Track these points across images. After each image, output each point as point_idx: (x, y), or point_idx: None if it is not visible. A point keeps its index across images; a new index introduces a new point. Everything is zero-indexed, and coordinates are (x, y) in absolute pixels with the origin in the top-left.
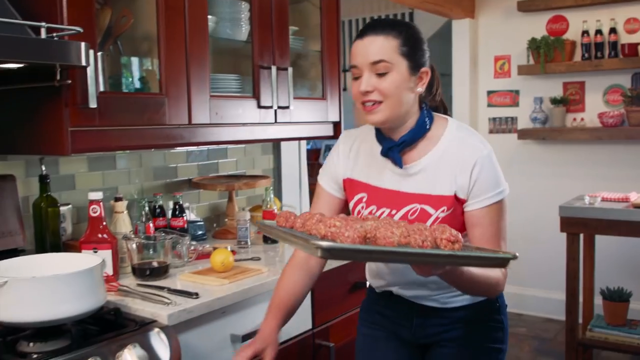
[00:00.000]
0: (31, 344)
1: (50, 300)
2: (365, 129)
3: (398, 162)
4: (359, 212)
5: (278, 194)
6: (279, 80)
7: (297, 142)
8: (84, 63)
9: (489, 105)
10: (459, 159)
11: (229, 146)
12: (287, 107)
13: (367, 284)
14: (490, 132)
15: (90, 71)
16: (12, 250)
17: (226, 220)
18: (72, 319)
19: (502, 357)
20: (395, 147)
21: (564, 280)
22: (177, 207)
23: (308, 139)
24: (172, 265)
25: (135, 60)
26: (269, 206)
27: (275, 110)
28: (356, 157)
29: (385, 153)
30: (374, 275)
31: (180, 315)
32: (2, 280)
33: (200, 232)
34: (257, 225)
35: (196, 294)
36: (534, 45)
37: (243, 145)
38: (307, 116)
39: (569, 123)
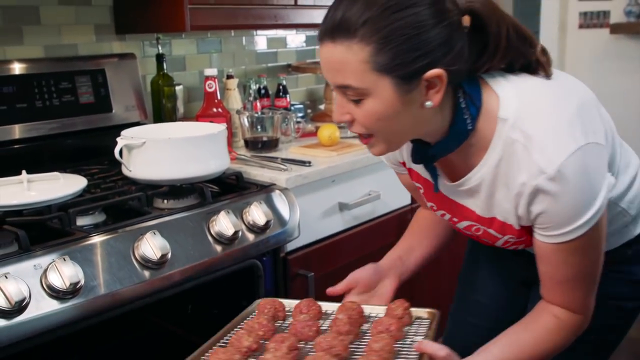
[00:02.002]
0: (165, 201)
1: (183, 160)
2: None
3: (434, 180)
4: (421, 195)
5: None
6: None
7: None
8: None
9: None
10: (512, 181)
11: None
12: None
13: None
14: (580, 27)
15: None
16: (134, 123)
17: (323, 104)
18: (201, 178)
19: (631, 319)
20: (428, 158)
21: None
22: (280, 88)
23: None
24: (280, 141)
25: None
26: None
27: None
28: (407, 145)
29: (416, 162)
30: None
31: (296, 179)
32: (141, 141)
33: (300, 115)
34: None
35: (309, 162)
36: None
37: None
38: None
39: None
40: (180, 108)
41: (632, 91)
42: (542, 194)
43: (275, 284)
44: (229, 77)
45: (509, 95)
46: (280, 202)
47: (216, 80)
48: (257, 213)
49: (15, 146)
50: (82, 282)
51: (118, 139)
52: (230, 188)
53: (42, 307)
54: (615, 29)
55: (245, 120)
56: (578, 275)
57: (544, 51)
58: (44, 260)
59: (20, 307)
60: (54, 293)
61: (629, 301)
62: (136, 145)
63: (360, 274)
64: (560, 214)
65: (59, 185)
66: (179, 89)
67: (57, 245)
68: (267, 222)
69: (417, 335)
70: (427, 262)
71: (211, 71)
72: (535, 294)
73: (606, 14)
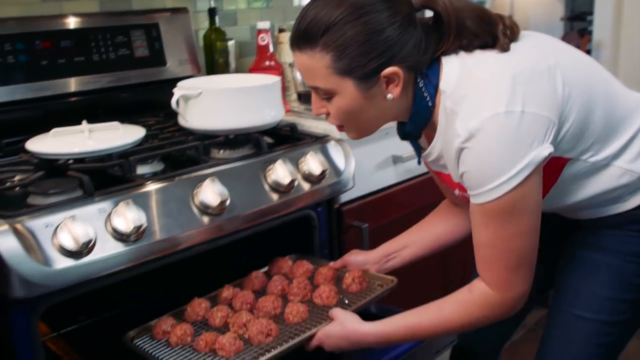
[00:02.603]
0: (221, 151)
1: (239, 110)
2: None
3: (417, 154)
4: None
5: None
6: None
7: None
8: None
9: None
10: (450, 147)
11: None
12: None
13: None
14: None
15: None
16: (188, 77)
17: None
18: (256, 129)
19: None
20: (406, 135)
21: None
22: None
23: None
24: None
25: None
26: None
27: None
28: None
29: (402, 138)
30: None
31: None
32: (197, 91)
33: None
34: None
35: None
36: None
37: None
38: None
39: None
40: (232, 63)
41: None
42: (462, 154)
43: (329, 235)
44: (281, 30)
45: (452, 70)
46: (336, 152)
47: (269, 33)
48: (312, 163)
49: (73, 99)
50: (145, 225)
51: (175, 90)
52: (284, 139)
53: (107, 249)
54: None
55: (298, 73)
56: (496, 244)
57: (505, 27)
58: (107, 205)
59: (86, 248)
60: (119, 236)
61: None
62: (193, 96)
63: (349, 259)
64: (476, 174)
65: (118, 134)
66: (230, 43)
67: (120, 191)
68: (323, 172)
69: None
70: (416, 260)
71: (264, 24)
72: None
73: None
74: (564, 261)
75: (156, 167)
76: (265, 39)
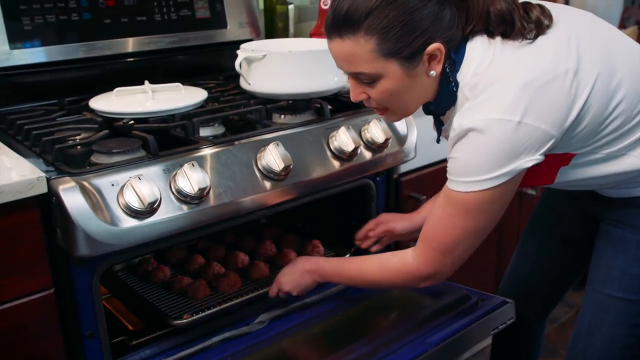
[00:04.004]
0: (283, 116)
1: (303, 74)
2: None
3: (438, 132)
4: None
5: None
6: None
7: None
8: None
9: None
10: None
11: None
12: None
13: None
14: None
15: None
16: (248, 40)
17: None
18: (320, 94)
19: None
20: (430, 113)
21: None
22: None
23: None
24: None
25: None
26: None
27: None
28: None
29: (433, 117)
30: None
31: None
32: (262, 54)
33: None
34: None
35: None
36: None
37: None
38: None
39: None
40: (291, 27)
41: None
42: (453, 143)
43: (387, 205)
44: None
45: (473, 58)
46: (399, 121)
47: None
48: (376, 130)
49: (134, 59)
50: (209, 188)
51: (238, 52)
52: (346, 106)
53: (171, 210)
54: None
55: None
56: (442, 226)
57: (534, 17)
58: (171, 165)
59: (151, 208)
60: (183, 197)
61: None
62: (256, 59)
63: (392, 225)
64: (457, 163)
65: (181, 96)
66: (290, 7)
67: (184, 152)
68: (386, 141)
69: None
70: None
71: None
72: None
73: None
74: (599, 238)
75: (218, 130)
76: (327, 3)
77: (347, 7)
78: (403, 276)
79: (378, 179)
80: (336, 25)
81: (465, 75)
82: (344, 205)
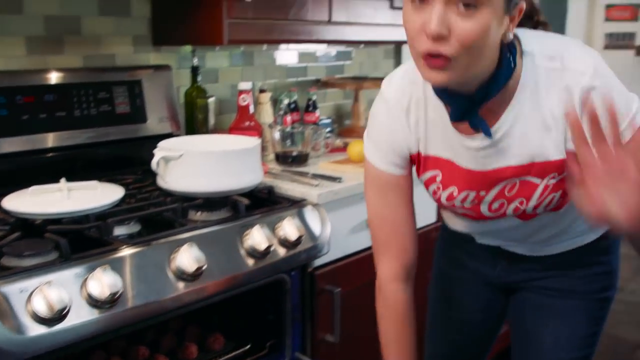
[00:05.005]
0: (199, 213)
1: (219, 173)
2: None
3: (485, 129)
4: (434, 192)
5: None
6: None
7: None
8: None
9: (607, 19)
10: (556, 102)
11: (354, 49)
12: None
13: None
14: (606, 47)
15: None
16: (167, 134)
17: (350, 120)
18: (236, 192)
19: (610, 305)
20: (473, 105)
21: None
22: (310, 103)
23: None
24: (309, 156)
25: None
26: None
27: None
28: (424, 125)
29: (458, 118)
30: (455, 224)
31: (327, 195)
32: (178, 154)
33: (327, 130)
34: None
35: (339, 178)
36: None
37: (367, 49)
38: None
39: None
40: (212, 119)
41: None
42: (593, 92)
43: (302, 299)
44: (262, 91)
45: (527, 35)
46: (312, 217)
47: (250, 93)
48: (289, 228)
49: (53, 154)
50: (121, 291)
51: (155, 151)
52: (261, 202)
53: (82, 315)
54: None
55: (277, 134)
56: None
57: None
58: (84, 269)
59: (60, 315)
60: (94, 302)
61: (609, 290)
62: (173, 157)
63: None
64: (620, 104)
65: (97, 194)
66: (211, 100)
67: (97, 255)
68: (299, 238)
69: None
70: None
71: (246, 85)
72: (513, 302)
73: (631, 35)
74: (532, 309)
75: (133, 228)
76: (246, 100)
77: None
78: None
79: (293, 273)
80: None
81: (533, 47)
82: (259, 300)
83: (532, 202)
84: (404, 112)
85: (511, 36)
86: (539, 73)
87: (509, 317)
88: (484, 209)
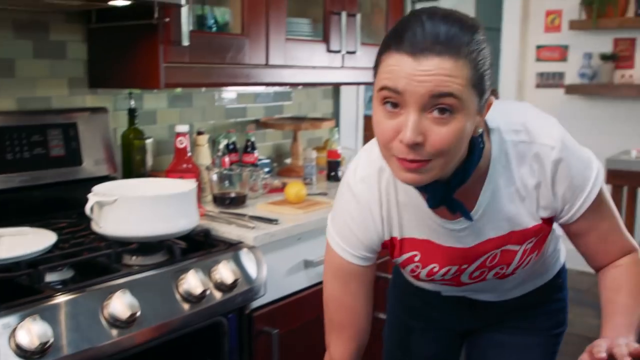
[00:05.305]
0: (134, 257)
1: (154, 218)
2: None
3: (464, 213)
4: (413, 270)
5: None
6: (347, 25)
7: (355, 88)
8: (182, 2)
9: (537, 59)
10: (527, 173)
11: (293, 90)
12: (354, 52)
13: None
14: (537, 86)
15: (184, 10)
16: (104, 177)
17: (289, 160)
18: (171, 236)
19: (562, 340)
20: (450, 191)
21: None
22: (248, 144)
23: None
24: (247, 197)
25: (212, 8)
26: (333, 146)
27: (343, 55)
28: (397, 211)
29: (437, 204)
30: (422, 284)
31: (264, 238)
32: (113, 198)
33: (266, 170)
34: None
35: (276, 220)
36: (587, 1)
37: (306, 89)
38: (372, 61)
39: (617, 79)
40: (149, 161)
41: (589, 148)
42: (560, 164)
43: (240, 342)
44: (200, 133)
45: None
46: (248, 260)
47: (187, 136)
48: (225, 272)
49: None
50: (51, 341)
51: (89, 196)
52: (198, 245)
53: None
54: (570, 89)
55: (215, 176)
56: (614, 222)
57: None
58: (13, 319)
59: None
60: (22, 353)
61: (562, 325)
62: (108, 202)
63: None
64: (577, 178)
65: (28, 241)
66: (148, 142)
67: (26, 304)
68: (235, 281)
69: None
70: None
71: (183, 127)
72: (471, 342)
73: (561, 74)
74: (493, 348)
75: (66, 274)
76: (183, 142)
77: (447, 29)
78: None
79: (230, 316)
80: (436, 42)
81: (497, 123)
82: (197, 344)
83: (512, 266)
84: (376, 205)
85: (481, 130)
86: (507, 147)
87: (468, 357)
88: (464, 278)
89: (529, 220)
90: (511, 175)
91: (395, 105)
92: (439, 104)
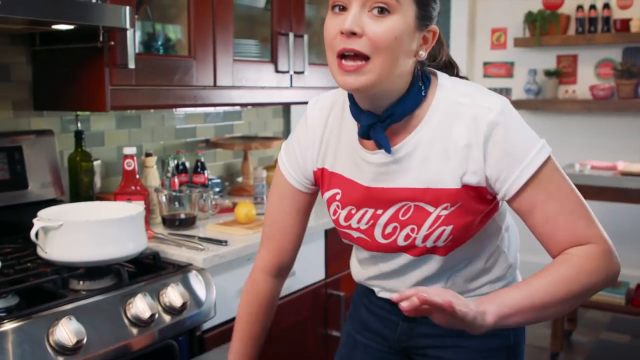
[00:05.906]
0: (81, 282)
1: (100, 242)
2: (343, 95)
3: (385, 145)
4: (334, 211)
5: None
6: (295, 46)
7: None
8: (127, 26)
9: (485, 76)
10: (461, 133)
11: (243, 109)
12: (302, 72)
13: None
14: None
15: (130, 34)
16: (50, 200)
17: (240, 178)
18: (119, 260)
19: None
20: (379, 123)
21: None
22: (198, 164)
23: None
24: (197, 218)
25: (164, 25)
26: None
27: (291, 75)
28: (336, 142)
29: (364, 133)
30: (355, 266)
31: (213, 259)
32: (58, 223)
33: (217, 190)
34: None
35: (225, 241)
36: (530, 19)
37: (256, 109)
38: (320, 81)
39: (561, 95)
40: (98, 183)
41: None
42: (496, 128)
43: None
44: (148, 155)
45: (447, 75)
46: (197, 282)
47: (135, 158)
48: (173, 295)
49: None
50: None
51: (34, 221)
52: (147, 268)
53: None
54: (517, 105)
55: (163, 197)
56: (567, 205)
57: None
58: None
59: None
60: None
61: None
62: (53, 227)
63: None
64: (515, 146)
65: None
66: (96, 164)
67: None
68: (184, 304)
69: None
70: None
71: (130, 150)
72: None
73: (508, 90)
74: None
75: (11, 301)
76: (131, 164)
77: None
78: (605, 259)
79: (180, 338)
80: None
81: (446, 82)
82: None
83: (423, 231)
84: (320, 129)
85: (424, 55)
86: (448, 104)
87: None
88: (377, 232)
89: (449, 181)
90: (444, 131)
91: (342, 8)
92: (378, 2)
